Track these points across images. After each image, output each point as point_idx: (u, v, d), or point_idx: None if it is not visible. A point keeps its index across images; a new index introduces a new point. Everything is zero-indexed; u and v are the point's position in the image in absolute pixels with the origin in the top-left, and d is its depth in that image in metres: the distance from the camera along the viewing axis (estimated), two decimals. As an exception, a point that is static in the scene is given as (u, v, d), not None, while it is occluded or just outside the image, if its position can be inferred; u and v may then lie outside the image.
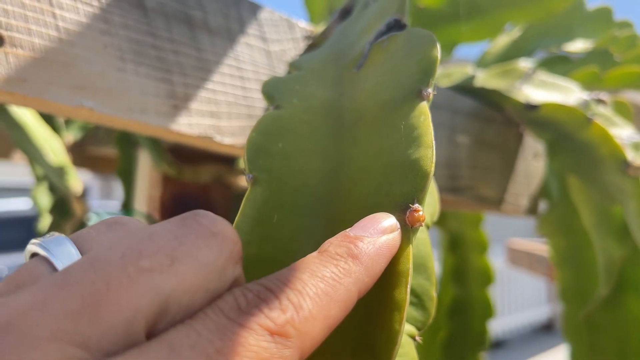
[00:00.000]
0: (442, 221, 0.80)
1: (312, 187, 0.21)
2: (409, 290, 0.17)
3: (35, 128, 0.60)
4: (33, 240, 0.16)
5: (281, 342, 0.14)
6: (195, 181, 0.59)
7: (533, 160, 0.57)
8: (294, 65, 0.27)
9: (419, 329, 0.21)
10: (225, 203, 0.61)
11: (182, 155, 0.59)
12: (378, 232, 0.18)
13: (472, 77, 0.53)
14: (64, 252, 0.15)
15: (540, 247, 1.29)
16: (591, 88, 0.58)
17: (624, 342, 0.53)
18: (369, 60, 0.24)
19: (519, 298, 3.94)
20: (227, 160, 0.62)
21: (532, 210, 0.56)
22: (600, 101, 0.50)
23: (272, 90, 0.24)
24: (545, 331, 4.07)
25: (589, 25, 0.61)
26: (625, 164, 0.44)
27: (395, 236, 0.18)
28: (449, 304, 0.77)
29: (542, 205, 0.62)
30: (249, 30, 0.35)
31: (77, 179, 0.63)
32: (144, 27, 0.30)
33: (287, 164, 0.21)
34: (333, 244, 0.17)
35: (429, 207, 0.24)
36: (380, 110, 0.21)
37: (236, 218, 0.20)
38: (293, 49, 0.37)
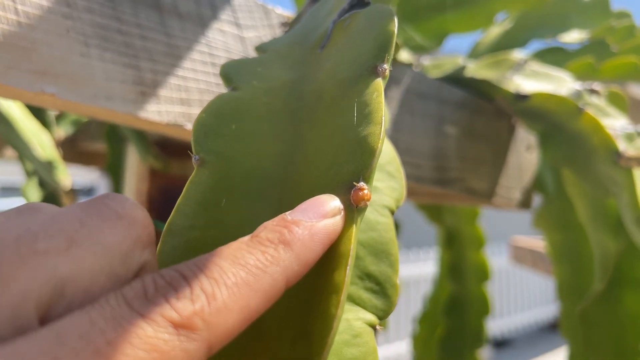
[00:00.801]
0: (437, 216, 0.78)
1: (265, 170, 0.20)
2: (349, 272, 0.16)
3: (22, 122, 0.59)
4: None
5: (185, 334, 0.13)
6: (182, 174, 0.59)
7: (526, 153, 0.55)
8: (260, 49, 0.26)
9: (380, 318, 0.20)
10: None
11: (169, 149, 0.59)
12: (318, 216, 0.17)
13: (462, 68, 0.52)
14: None
15: (543, 244, 1.27)
16: (587, 79, 0.57)
17: (620, 338, 0.51)
18: (332, 40, 0.23)
19: (525, 296, 3.91)
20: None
21: (525, 203, 0.55)
22: (593, 91, 0.48)
23: (230, 71, 0.23)
24: (551, 330, 4.03)
25: (585, 14, 0.59)
26: (617, 155, 0.42)
27: (335, 221, 0.17)
28: (446, 300, 0.76)
29: (537, 200, 0.61)
30: (221, 15, 0.34)
31: (67, 174, 0.62)
32: (109, 11, 0.30)
33: (240, 146, 0.20)
34: (267, 228, 0.16)
35: (394, 191, 0.22)
36: (338, 89, 0.20)
37: (178, 201, 0.19)
38: (269, 35, 0.36)
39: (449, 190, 0.46)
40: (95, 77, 0.29)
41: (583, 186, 0.52)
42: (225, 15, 0.34)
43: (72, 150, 0.75)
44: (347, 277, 0.16)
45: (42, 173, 0.64)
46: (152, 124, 0.32)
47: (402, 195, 0.23)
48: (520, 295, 3.85)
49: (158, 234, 0.18)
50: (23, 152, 0.63)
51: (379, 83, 0.19)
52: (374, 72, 0.19)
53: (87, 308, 0.13)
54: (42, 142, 0.62)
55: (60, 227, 0.14)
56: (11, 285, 0.13)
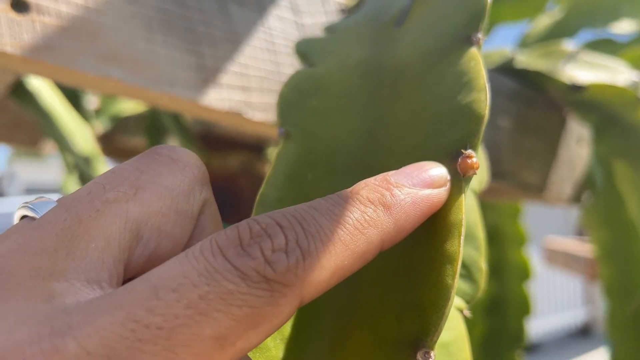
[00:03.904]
0: (477, 214, 0.77)
1: (348, 146, 0.19)
2: (462, 242, 0.15)
3: (64, 116, 0.60)
4: (22, 204, 0.16)
5: (278, 290, 0.13)
6: (223, 169, 0.59)
7: (576, 146, 0.54)
8: (329, 29, 0.26)
9: (467, 302, 0.19)
10: (253, 191, 0.60)
11: (210, 143, 0.59)
12: (422, 183, 0.16)
13: (511, 59, 0.51)
14: None
15: (576, 246, 1.25)
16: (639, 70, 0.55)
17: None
18: (410, 15, 0.22)
19: (553, 300, 3.84)
20: (255, 149, 0.60)
21: (575, 198, 0.53)
22: (651, 82, 0.47)
23: (305, 49, 0.22)
24: (581, 335, 3.95)
25: (637, 3, 0.57)
26: (680, 146, 0.41)
27: (440, 192, 0.16)
28: (485, 300, 0.74)
29: (585, 196, 0.59)
30: (280, 1, 0.33)
31: (107, 168, 0.63)
32: (173, -5, 0.29)
33: (322, 121, 0.20)
34: (368, 186, 0.16)
35: (478, 173, 0.22)
36: (425, 62, 0.19)
37: (268, 172, 0.19)
38: (326, 22, 0.35)
39: (501, 184, 0.45)
40: (159, 62, 0.29)
41: (638, 180, 0.51)
42: (283, 1, 0.33)
43: (109, 145, 0.76)
44: (461, 247, 0.15)
45: (82, 167, 0.64)
46: (213, 111, 0.31)
47: (485, 177, 0.22)
48: (549, 298, 3.78)
49: None
50: (64, 145, 0.64)
51: (475, 52, 0.18)
52: (468, 41, 0.18)
53: (181, 257, 0.13)
54: (83, 135, 0.62)
55: (123, 177, 0.15)
56: (93, 233, 0.14)
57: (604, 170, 0.58)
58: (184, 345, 0.12)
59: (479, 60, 0.18)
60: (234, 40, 0.31)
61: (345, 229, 0.14)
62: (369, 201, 0.15)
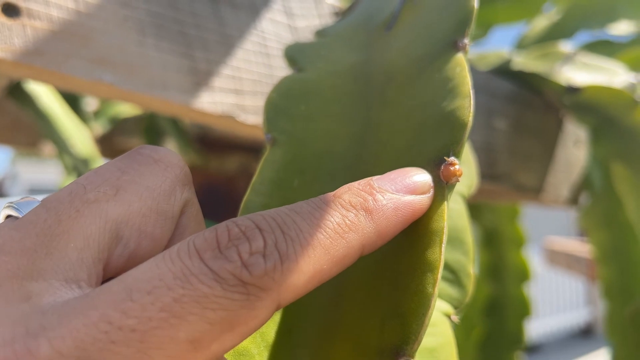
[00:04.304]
0: (477, 215, 0.77)
1: (337, 152, 0.19)
2: (443, 250, 0.15)
3: (62, 118, 0.60)
4: (7, 204, 0.16)
5: (255, 294, 0.12)
6: (221, 171, 0.58)
7: (574, 148, 0.54)
8: (320, 33, 0.26)
9: (455, 307, 0.19)
10: (252, 193, 0.60)
11: (208, 145, 0.59)
12: (405, 189, 0.16)
13: (508, 61, 0.51)
14: None
15: (578, 246, 1.25)
16: (637, 72, 0.55)
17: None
18: (400, 20, 0.22)
19: (555, 300, 3.82)
20: (253, 150, 0.60)
21: (572, 200, 0.53)
22: (648, 83, 0.46)
23: (295, 53, 0.22)
24: (583, 336, 3.94)
25: (634, 5, 0.57)
26: (677, 148, 0.40)
27: (423, 199, 0.16)
28: (484, 301, 0.74)
29: (583, 198, 0.59)
30: (273, 5, 0.33)
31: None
32: (165, -1, 0.29)
33: (310, 128, 0.20)
34: (351, 190, 0.16)
35: (466, 178, 0.22)
36: (413, 67, 0.19)
37: (253, 179, 0.19)
38: (320, 25, 0.35)
39: (497, 186, 0.45)
40: (151, 66, 0.29)
41: (635, 181, 0.50)
42: (276, 4, 0.33)
43: (108, 146, 0.76)
44: (442, 255, 0.15)
45: (81, 169, 0.65)
46: (205, 115, 0.31)
47: (474, 182, 0.22)
48: (550, 299, 3.77)
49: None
50: (62, 147, 0.64)
51: (461, 57, 0.18)
52: (454, 47, 0.18)
53: (158, 259, 0.13)
54: (81, 138, 0.62)
55: (104, 177, 0.16)
56: (72, 233, 0.14)
57: (601, 172, 0.58)
58: (158, 348, 0.12)
59: (464, 67, 0.18)
60: (227, 44, 0.31)
61: (325, 233, 0.14)
62: (351, 205, 0.15)
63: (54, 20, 0.26)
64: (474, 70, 0.44)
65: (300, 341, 0.16)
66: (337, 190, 0.16)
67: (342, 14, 0.34)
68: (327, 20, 0.36)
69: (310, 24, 0.35)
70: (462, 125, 0.16)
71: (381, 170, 0.18)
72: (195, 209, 0.18)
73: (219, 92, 0.31)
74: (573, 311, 3.93)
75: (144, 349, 0.12)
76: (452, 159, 0.16)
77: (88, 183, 0.15)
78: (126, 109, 0.71)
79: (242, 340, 0.13)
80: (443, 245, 0.15)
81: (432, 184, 0.17)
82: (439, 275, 0.15)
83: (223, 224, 0.14)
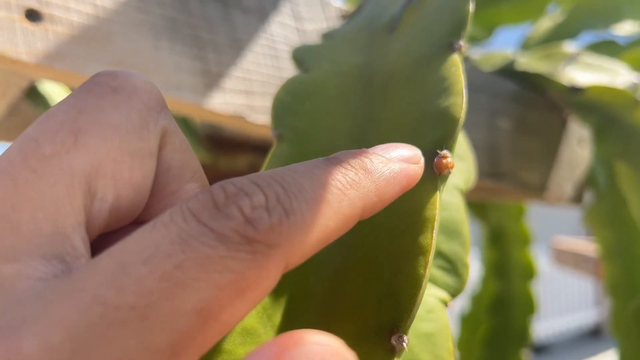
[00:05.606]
0: (483, 214, 0.78)
1: (339, 145, 0.21)
2: (434, 235, 0.16)
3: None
4: None
5: (262, 251, 0.11)
6: (231, 169, 0.60)
7: (577, 147, 0.54)
8: (326, 36, 0.27)
9: (452, 295, 0.20)
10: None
11: (218, 144, 0.60)
12: (397, 158, 0.16)
13: (512, 61, 0.52)
14: None
15: (586, 246, 1.25)
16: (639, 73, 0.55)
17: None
18: (401, 23, 0.23)
19: (564, 300, 3.81)
20: (262, 149, 0.62)
21: (576, 198, 0.54)
22: (650, 83, 0.47)
23: (302, 55, 0.23)
24: (592, 336, 3.92)
25: (639, 5, 0.58)
26: (677, 147, 0.41)
27: (416, 167, 0.16)
28: (490, 299, 0.75)
29: (588, 197, 0.60)
30: (282, 9, 0.35)
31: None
32: (179, 4, 0.31)
33: (315, 124, 0.21)
34: (346, 153, 0.15)
35: (464, 173, 0.23)
36: (412, 68, 0.21)
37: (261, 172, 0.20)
38: (327, 28, 0.36)
39: (501, 184, 0.46)
40: (166, 68, 0.30)
41: (639, 180, 0.51)
42: (285, 8, 0.35)
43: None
44: (434, 240, 0.16)
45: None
46: (216, 115, 0.33)
47: (471, 177, 0.24)
48: (559, 298, 3.76)
49: None
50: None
51: (456, 58, 0.19)
52: (450, 48, 0.20)
53: (148, 227, 0.11)
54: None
55: (58, 122, 0.13)
56: (36, 199, 0.12)
57: (605, 171, 0.59)
58: (163, 323, 0.10)
59: (459, 67, 0.19)
60: (238, 47, 0.33)
61: (327, 190, 0.13)
62: (349, 164, 0.14)
63: (74, 25, 0.28)
64: (478, 71, 0.45)
65: (304, 322, 0.17)
66: (332, 154, 0.15)
67: (348, 17, 0.36)
68: (334, 22, 0.37)
69: (318, 27, 0.36)
70: (454, 121, 0.18)
71: None
72: (177, 137, 0.15)
73: (230, 93, 0.33)
74: (582, 311, 3.91)
75: (147, 327, 0.10)
76: (444, 152, 0.18)
77: (40, 133, 0.13)
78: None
79: (250, 309, 0.12)
80: (434, 231, 0.17)
81: (421, 156, 0.17)
82: (430, 258, 0.16)
83: (216, 184, 0.12)
